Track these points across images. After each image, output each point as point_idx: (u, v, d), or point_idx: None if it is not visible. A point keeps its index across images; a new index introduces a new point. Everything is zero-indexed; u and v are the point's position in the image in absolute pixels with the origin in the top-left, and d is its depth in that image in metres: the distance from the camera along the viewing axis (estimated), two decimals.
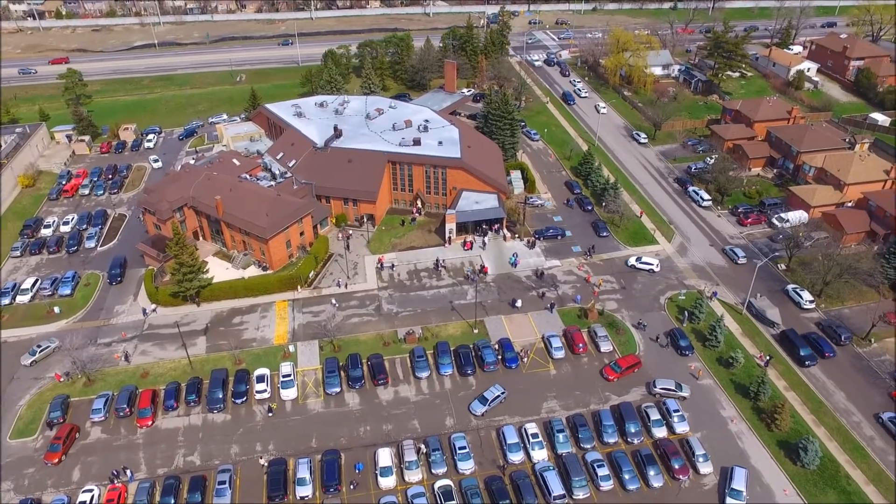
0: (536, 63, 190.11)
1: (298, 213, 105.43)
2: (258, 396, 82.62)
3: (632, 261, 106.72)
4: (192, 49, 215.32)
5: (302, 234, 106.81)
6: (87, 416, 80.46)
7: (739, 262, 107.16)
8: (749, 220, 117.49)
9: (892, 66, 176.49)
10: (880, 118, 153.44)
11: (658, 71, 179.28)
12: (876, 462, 75.25)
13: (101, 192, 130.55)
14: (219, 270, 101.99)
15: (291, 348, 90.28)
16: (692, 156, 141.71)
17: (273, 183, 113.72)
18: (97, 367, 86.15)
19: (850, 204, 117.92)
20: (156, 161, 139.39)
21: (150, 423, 78.74)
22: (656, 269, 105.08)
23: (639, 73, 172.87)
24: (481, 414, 79.16)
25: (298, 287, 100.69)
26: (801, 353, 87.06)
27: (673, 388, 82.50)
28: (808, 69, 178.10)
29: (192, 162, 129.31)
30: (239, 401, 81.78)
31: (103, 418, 79.95)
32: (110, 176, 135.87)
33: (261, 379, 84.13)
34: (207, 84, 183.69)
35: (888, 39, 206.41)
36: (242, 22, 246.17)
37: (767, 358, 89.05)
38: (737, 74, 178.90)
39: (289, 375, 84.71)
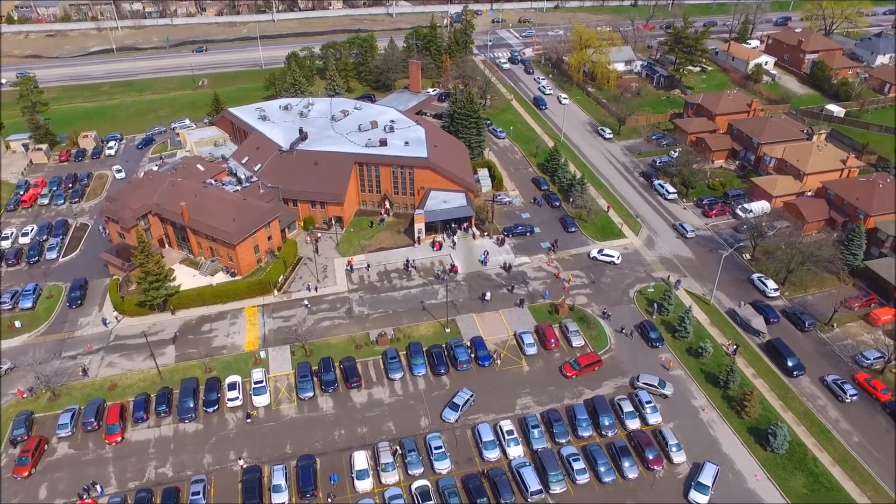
0: (505, 66, 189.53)
1: (265, 217, 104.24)
2: (230, 404, 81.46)
3: (594, 252, 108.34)
4: (151, 54, 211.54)
5: (270, 238, 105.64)
6: (53, 431, 78.30)
7: (688, 236, 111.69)
8: (714, 211, 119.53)
9: (844, 59, 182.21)
10: (835, 109, 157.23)
11: (621, 67, 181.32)
12: (841, 443, 77.12)
13: (62, 201, 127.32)
14: (186, 278, 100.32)
15: (263, 354, 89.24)
16: (656, 150, 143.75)
17: (239, 187, 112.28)
18: (62, 381, 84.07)
19: (809, 193, 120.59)
20: (119, 172, 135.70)
21: (119, 438, 76.75)
22: (617, 262, 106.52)
23: (602, 69, 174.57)
24: (455, 421, 79.00)
25: (274, 291, 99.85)
26: (789, 364, 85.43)
27: (656, 384, 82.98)
28: (766, 63, 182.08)
29: (155, 168, 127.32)
30: (211, 409, 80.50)
31: (70, 433, 77.83)
32: (70, 185, 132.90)
33: (232, 386, 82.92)
34: (168, 89, 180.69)
35: (840, 33, 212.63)
36: (203, 25, 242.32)
37: (735, 346, 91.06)
38: (697, 69, 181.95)
39: (261, 382, 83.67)
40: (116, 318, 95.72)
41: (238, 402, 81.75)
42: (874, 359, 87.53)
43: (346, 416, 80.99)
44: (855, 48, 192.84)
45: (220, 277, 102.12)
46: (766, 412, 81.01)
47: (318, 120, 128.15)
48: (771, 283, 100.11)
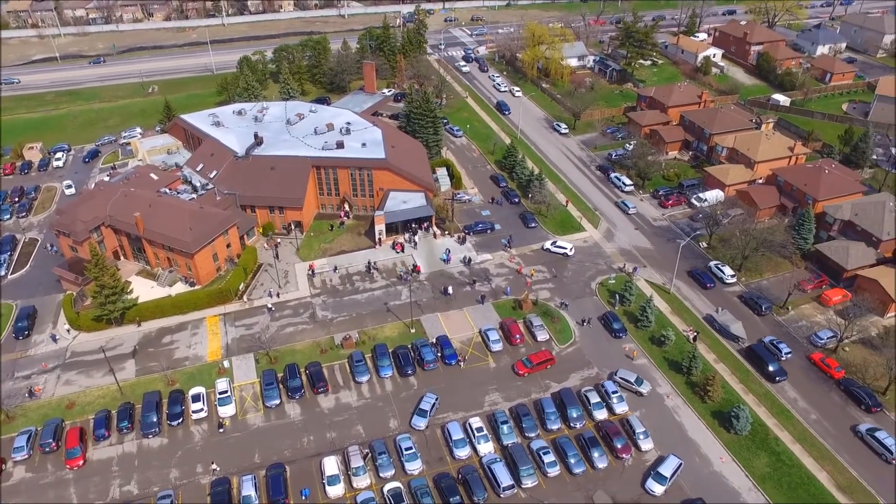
0: (465, 69, 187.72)
1: (223, 224, 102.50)
2: (195, 416, 79.89)
3: (547, 244, 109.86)
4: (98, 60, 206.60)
5: (228, 246, 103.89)
6: (8, 455, 75.38)
7: (630, 212, 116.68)
8: (670, 202, 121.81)
9: (787, 50, 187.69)
10: (781, 99, 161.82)
11: (574, 62, 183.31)
12: (800, 422, 79.52)
13: (8, 216, 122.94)
14: (144, 290, 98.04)
15: (226, 364, 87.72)
16: (612, 143, 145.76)
17: (194, 195, 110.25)
18: (16, 402, 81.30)
19: (760, 181, 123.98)
20: (69, 187, 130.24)
21: (81, 462, 73.98)
22: (570, 253, 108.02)
23: (555, 65, 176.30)
24: (425, 427, 78.48)
25: (244, 298, 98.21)
26: (770, 369, 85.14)
27: (633, 381, 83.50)
28: (714, 55, 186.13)
29: (106, 179, 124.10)
30: (175, 423, 78.83)
31: (27, 456, 75.00)
32: (17, 199, 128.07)
33: (196, 398, 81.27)
34: (117, 97, 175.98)
35: (782, 25, 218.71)
36: (151, 31, 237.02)
37: (695, 333, 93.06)
38: (648, 62, 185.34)
39: (225, 392, 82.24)
40: (68, 331, 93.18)
41: (203, 414, 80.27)
42: (827, 338, 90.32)
43: (314, 422, 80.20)
44: (797, 39, 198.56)
45: (179, 287, 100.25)
46: (729, 396, 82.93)
47: (273, 124, 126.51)
48: (728, 270, 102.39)
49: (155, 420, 78.90)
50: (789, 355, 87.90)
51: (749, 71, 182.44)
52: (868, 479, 72.96)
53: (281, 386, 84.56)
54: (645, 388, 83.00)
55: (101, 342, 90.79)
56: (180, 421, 79.74)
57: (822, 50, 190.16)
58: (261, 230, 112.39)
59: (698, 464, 75.45)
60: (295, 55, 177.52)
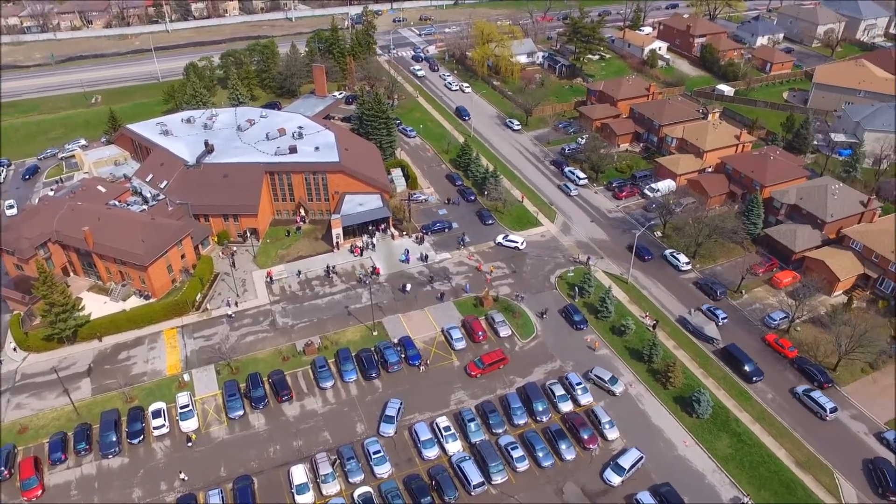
0: (418, 71, 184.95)
1: (176, 235, 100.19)
2: (156, 433, 77.79)
3: (499, 238, 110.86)
4: (36, 71, 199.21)
5: (183, 256, 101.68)
6: None
7: (572, 194, 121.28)
8: (624, 193, 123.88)
9: (729, 42, 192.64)
10: (726, 89, 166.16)
11: (523, 59, 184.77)
12: (758, 402, 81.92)
13: None
14: (96, 305, 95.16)
15: (186, 377, 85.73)
16: (564, 138, 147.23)
17: (145, 207, 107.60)
18: None
19: (710, 169, 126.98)
20: (11, 207, 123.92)
21: (39, 493, 70.90)
22: (521, 247, 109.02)
23: (505, 62, 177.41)
24: (394, 432, 77.79)
25: (201, 308, 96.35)
26: (747, 370, 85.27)
27: (606, 380, 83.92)
28: (660, 48, 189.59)
29: (51, 193, 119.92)
30: (135, 440, 76.61)
31: None
32: None
33: (157, 414, 79.20)
34: (59, 108, 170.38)
35: (723, 17, 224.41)
36: (91, 39, 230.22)
37: (655, 321, 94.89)
38: (596, 57, 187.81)
39: (187, 405, 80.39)
40: (15, 350, 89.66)
41: (164, 430, 78.21)
42: (780, 319, 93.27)
43: (279, 431, 79.00)
44: (737, 31, 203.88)
45: (134, 301, 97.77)
46: (689, 381, 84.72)
47: (223, 131, 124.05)
48: (682, 258, 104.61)
49: (114, 439, 76.59)
50: (725, 320, 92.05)
51: (693, 63, 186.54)
52: (824, 454, 75.28)
53: (244, 396, 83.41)
54: (618, 388, 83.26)
55: (53, 362, 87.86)
56: (141, 438, 77.54)
57: (761, 41, 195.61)
58: (216, 239, 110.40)
59: (663, 449, 76.89)
60: (243, 60, 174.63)
